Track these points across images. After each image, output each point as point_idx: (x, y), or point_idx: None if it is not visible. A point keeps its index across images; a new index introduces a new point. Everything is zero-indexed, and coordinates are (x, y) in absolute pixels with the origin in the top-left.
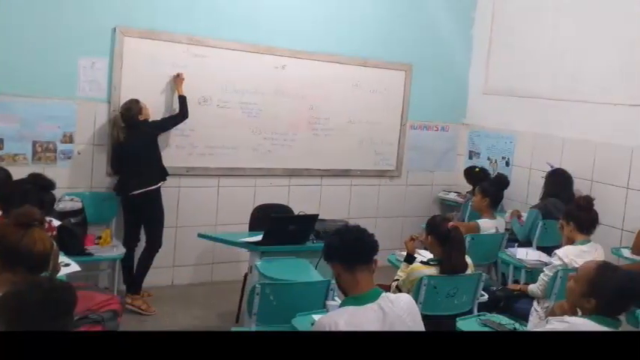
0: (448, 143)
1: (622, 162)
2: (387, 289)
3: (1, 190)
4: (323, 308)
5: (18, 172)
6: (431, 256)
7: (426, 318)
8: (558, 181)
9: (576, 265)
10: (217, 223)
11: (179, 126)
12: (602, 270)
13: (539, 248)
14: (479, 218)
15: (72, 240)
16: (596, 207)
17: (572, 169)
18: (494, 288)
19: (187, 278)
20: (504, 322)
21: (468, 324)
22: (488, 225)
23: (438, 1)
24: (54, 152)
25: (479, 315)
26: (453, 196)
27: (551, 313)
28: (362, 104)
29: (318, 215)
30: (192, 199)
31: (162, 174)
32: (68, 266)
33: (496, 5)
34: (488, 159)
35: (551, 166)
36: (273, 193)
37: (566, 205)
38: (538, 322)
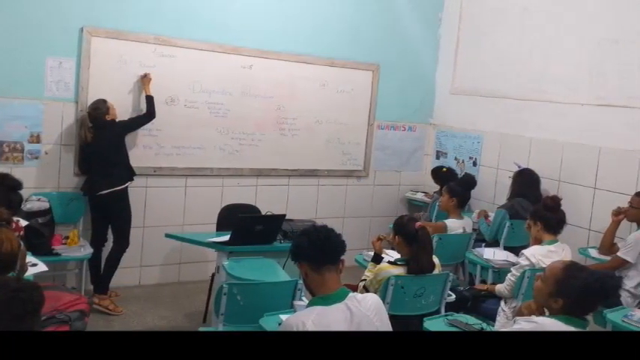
0: (415, 143)
1: (589, 162)
2: (355, 289)
3: None
4: (290, 308)
5: None
6: (398, 256)
7: (393, 318)
8: (526, 181)
9: (543, 265)
10: (185, 223)
11: (146, 126)
12: (570, 270)
13: (506, 248)
14: (446, 218)
15: (39, 240)
16: (564, 207)
17: (540, 169)
18: (462, 288)
19: (155, 278)
20: (472, 322)
21: (435, 324)
22: (455, 225)
23: (405, 2)
24: (21, 152)
25: (446, 315)
26: (420, 196)
27: (518, 313)
28: (329, 104)
29: (285, 215)
30: (160, 199)
31: (130, 174)
32: (35, 266)
33: (463, 6)
34: (456, 159)
35: (519, 166)
36: (241, 193)
37: (534, 205)
38: (505, 322)
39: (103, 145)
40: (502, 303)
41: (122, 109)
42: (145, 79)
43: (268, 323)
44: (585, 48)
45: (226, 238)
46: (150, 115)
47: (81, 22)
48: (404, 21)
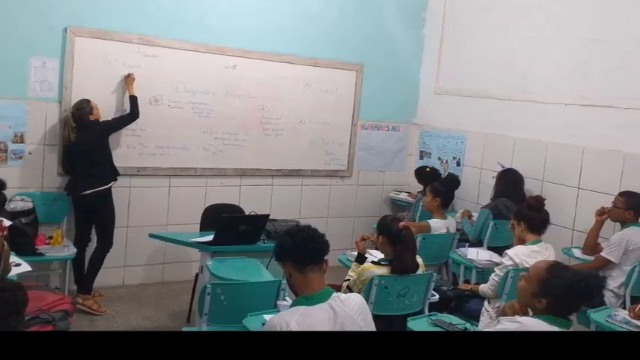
0: (399, 143)
1: (573, 162)
2: (338, 289)
3: None
4: (274, 308)
5: None
6: (382, 256)
7: (377, 318)
8: (509, 181)
9: (527, 265)
10: (168, 222)
11: (130, 126)
12: (553, 270)
13: (490, 248)
14: (430, 218)
15: (23, 240)
16: (547, 207)
17: (523, 169)
18: (445, 288)
19: (138, 278)
20: (455, 322)
21: (418, 324)
22: (439, 225)
23: (389, 2)
24: (5, 152)
25: (430, 315)
26: (403, 196)
27: (502, 313)
28: (313, 104)
29: (269, 215)
30: (144, 199)
31: (114, 174)
32: (19, 266)
33: (447, 6)
34: (439, 159)
35: (502, 166)
36: (224, 193)
37: (518, 205)
38: (489, 322)
39: (87, 145)
40: (486, 303)
41: (106, 109)
42: (128, 79)
43: (252, 323)
44: (569, 48)
45: (210, 238)
46: (134, 115)
47: (65, 21)
48: (388, 21)
